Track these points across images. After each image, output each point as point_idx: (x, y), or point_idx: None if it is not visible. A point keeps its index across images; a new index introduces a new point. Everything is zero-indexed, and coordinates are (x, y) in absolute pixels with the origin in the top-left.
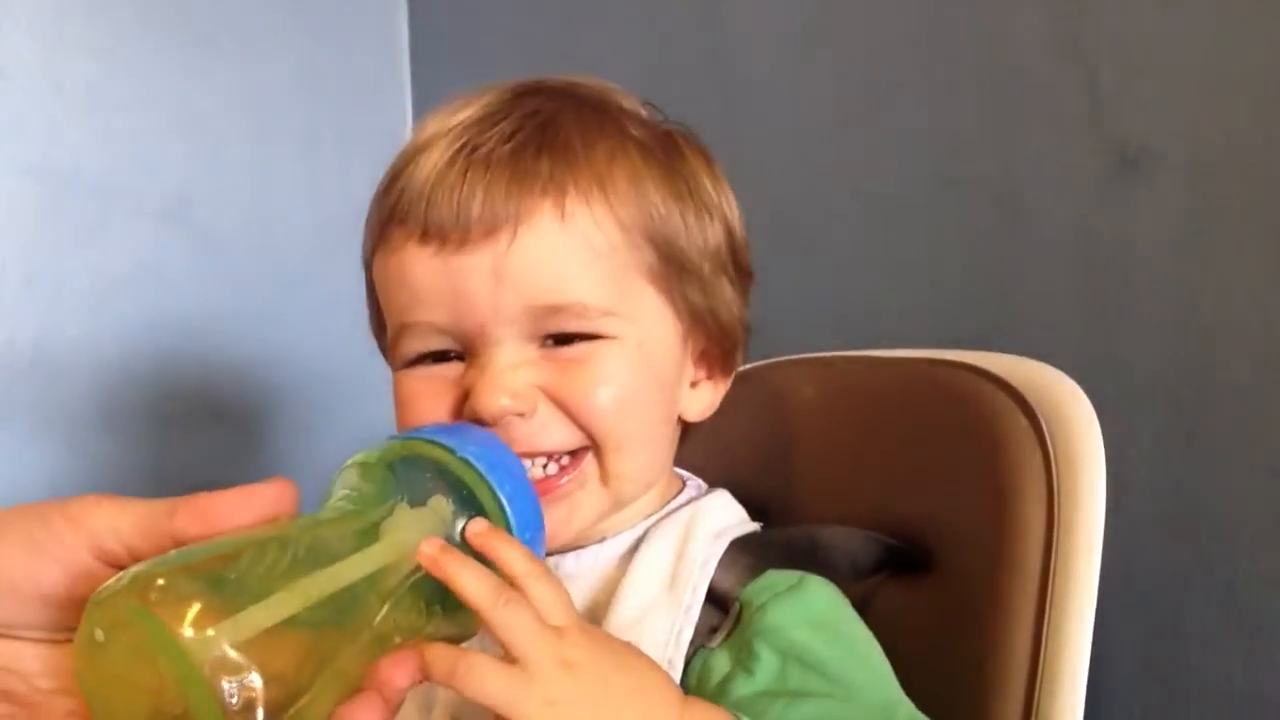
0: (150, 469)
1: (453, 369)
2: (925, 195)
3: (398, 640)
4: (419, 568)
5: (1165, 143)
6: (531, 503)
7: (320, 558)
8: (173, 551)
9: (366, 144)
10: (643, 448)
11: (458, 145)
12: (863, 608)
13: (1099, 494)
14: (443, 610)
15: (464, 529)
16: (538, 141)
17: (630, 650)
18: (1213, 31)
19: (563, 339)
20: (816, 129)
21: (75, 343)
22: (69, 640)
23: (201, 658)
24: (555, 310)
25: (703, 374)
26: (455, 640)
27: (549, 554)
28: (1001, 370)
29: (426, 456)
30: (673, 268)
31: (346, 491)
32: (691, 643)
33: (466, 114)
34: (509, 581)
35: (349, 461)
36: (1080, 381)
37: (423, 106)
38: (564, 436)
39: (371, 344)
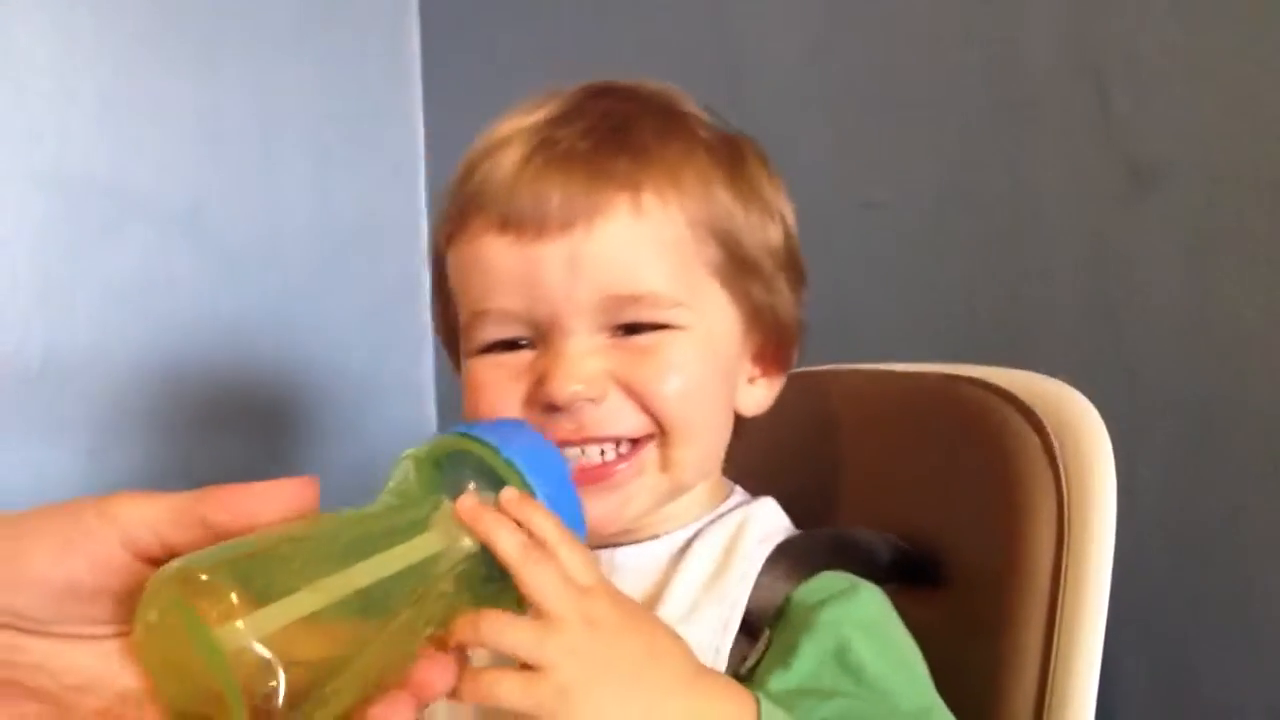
0: (160, 476)
1: (524, 357)
2: (936, 208)
3: (429, 632)
4: (456, 563)
5: (1177, 157)
6: (571, 505)
7: (356, 551)
8: (217, 545)
9: (378, 153)
10: (705, 436)
11: (536, 140)
12: None
13: (1109, 510)
14: (475, 606)
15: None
16: (614, 140)
17: (652, 618)
18: (1225, 46)
19: (633, 328)
20: (826, 141)
21: (86, 350)
22: (100, 636)
23: (229, 647)
24: (630, 300)
25: (759, 370)
26: None
27: (601, 547)
28: (1012, 385)
29: (473, 453)
30: (736, 264)
31: (393, 485)
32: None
33: (542, 113)
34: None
35: (404, 454)
36: (1091, 396)
37: (434, 117)
38: (633, 422)
39: (379, 350)
